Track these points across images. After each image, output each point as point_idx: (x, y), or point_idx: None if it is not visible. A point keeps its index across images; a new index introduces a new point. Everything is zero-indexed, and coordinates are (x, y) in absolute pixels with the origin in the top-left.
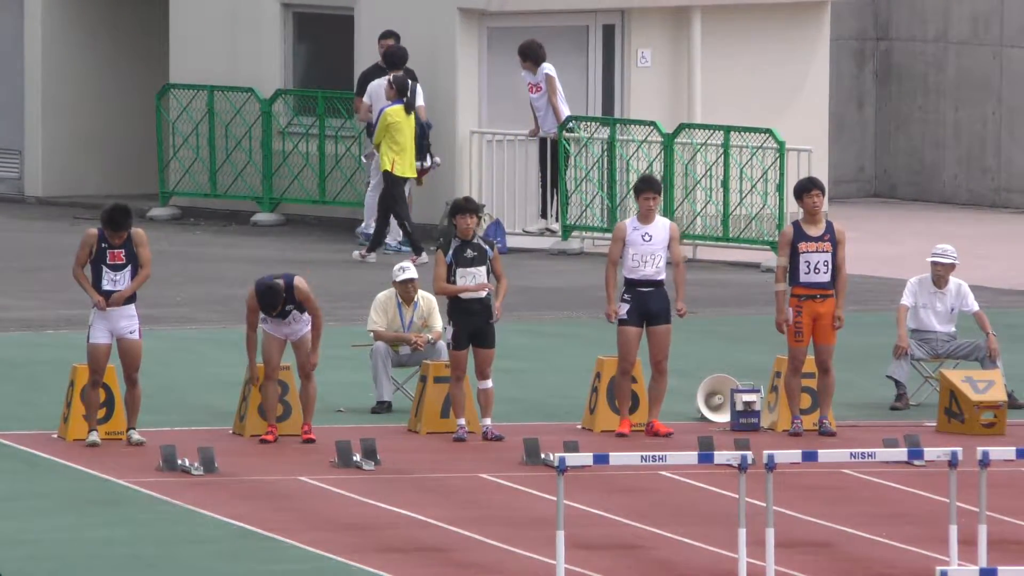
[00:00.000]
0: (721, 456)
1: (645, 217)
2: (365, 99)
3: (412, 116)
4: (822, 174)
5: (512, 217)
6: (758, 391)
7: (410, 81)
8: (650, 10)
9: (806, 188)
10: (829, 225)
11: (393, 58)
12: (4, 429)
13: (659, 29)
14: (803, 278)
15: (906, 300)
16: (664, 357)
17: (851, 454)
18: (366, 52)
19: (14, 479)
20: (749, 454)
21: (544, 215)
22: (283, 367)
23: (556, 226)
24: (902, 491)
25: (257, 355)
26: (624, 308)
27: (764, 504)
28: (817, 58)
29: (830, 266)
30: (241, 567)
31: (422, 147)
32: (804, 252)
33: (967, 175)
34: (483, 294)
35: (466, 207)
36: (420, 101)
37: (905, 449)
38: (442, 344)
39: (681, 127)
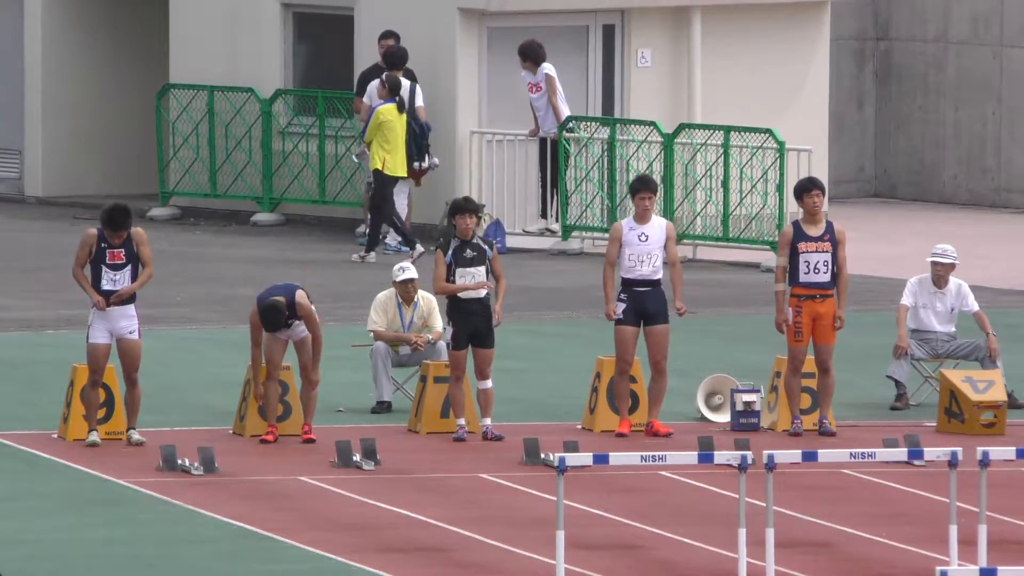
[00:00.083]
0: (721, 456)
1: (641, 217)
2: (365, 99)
3: (404, 115)
4: (822, 174)
5: (512, 217)
6: (758, 391)
7: (407, 81)
8: (650, 10)
9: (806, 188)
10: (829, 225)
11: (393, 58)
12: (4, 429)
13: (659, 29)
14: (803, 278)
15: (906, 300)
16: (663, 357)
17: (851, 454)
18: (366, 52)
19: (14, 479)
20: (749, 454)
21: (544, 215)
22: (283, 367)
23: (556, 226)
24: (902, 491)
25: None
26: (621, 308)
27: (764, 504)
28: (817, 58)
29: (830, 266)
30: (241, 567)
31: (421, 148)
32: (804, 252)
33: (967, 175)
34: (482, 294)
35: (465, 207)
36: (420, 102)
37: (905, 449)
38: (442, 344)
39: (681, 127)
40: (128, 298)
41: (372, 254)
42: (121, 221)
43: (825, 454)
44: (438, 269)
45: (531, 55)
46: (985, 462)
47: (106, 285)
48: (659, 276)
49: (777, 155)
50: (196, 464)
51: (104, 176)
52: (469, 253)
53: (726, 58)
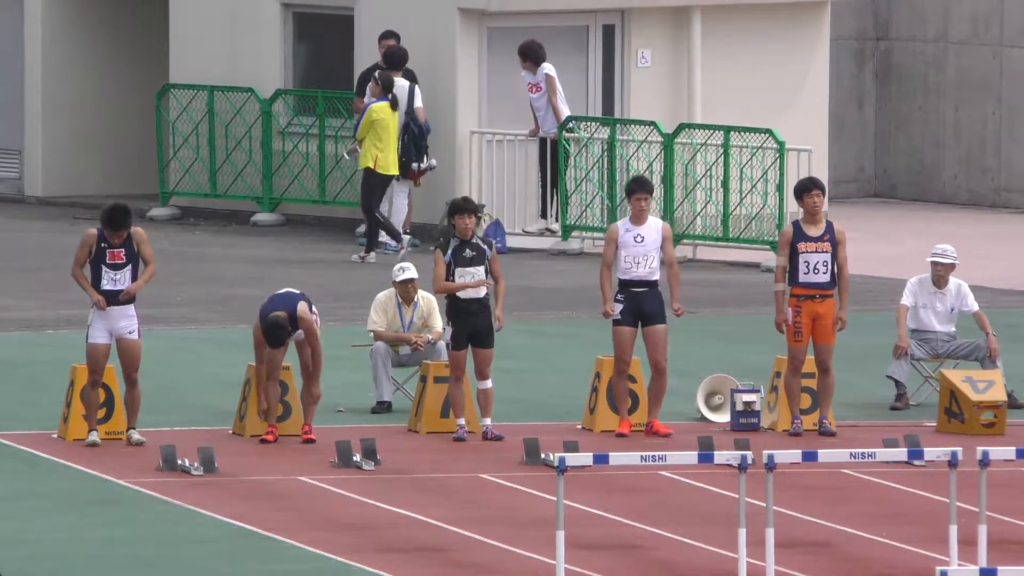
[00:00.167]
0: (721, 456)
1: (637, 218)
2: (365, 99)
3: (396, 113)
4: (822, 174)
5: (512, 217)
6: (758, 391)
7: (406, 81)
8: (650, 10)
9: (806, 188)
10: (829, 225)
11: (393, 58)
12: (4, 429)
13: (659, 29)
14: (802, 278)
15: (906, 300)
16: (663, 357)
17: (851, 454)
18: (366, 52)
19: (14, 479)
20: (749, 454)
21: (544, 215)
22: (283, 367)
23: (556, 226)
24: (902, 491)
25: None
26: (618, 308)
27: (764, 504)
28: (817, 58)
29: (829, 266)
30: (241, 567)
31: (420, 148)
32: (803, 252)
33: (967, 175)
34: (482, 294)
35: (465, 207)
36: (419, 102)
37: (905, 449)
38: (442, 344)
39: (681, 127)
40: (129, 298)
41: (372, 254)
42: (121, 221)
43: (825, 454)
44: (438, 268)
45: (531, 55)
46: (985, 462)
47: (106, 285)
48: (656, 277)
49: (777, 155)
50: (196, 464)
51: (104, 176)
52: (468, 253)
53: (726, 58)
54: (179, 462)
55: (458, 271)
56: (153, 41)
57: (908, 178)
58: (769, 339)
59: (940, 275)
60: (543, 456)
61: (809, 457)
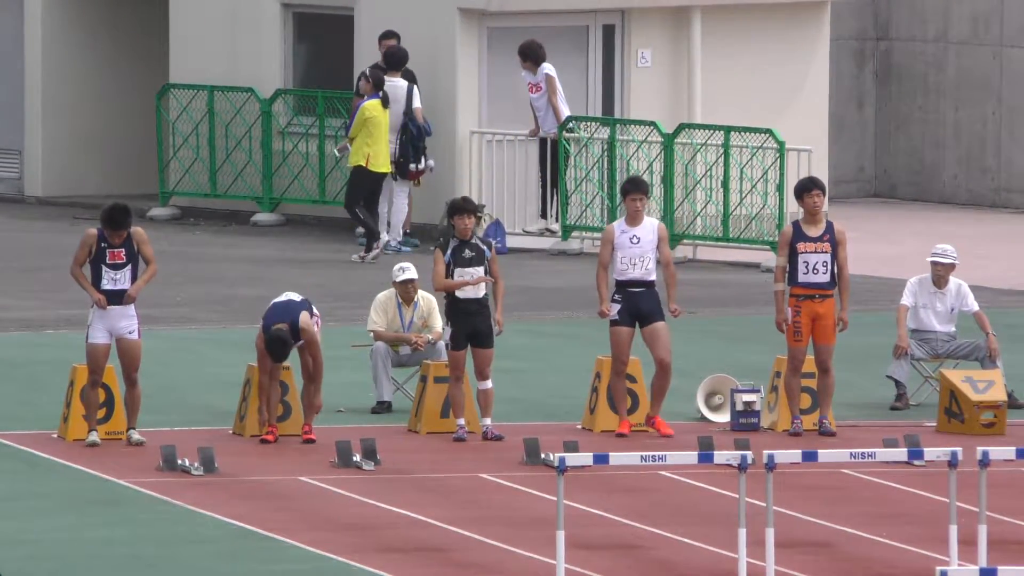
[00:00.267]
0: (721, 456)
1: (633, 219)
2: (361, 99)
3: (388, 111)
4: (822, 174)
5: (512, 217)
6: (758, 391)
7: (404, 81)
8: (650, 10)
9: (807, 188)
10: (829, 225)
11: (393, 58)
12: (4, 429)
13: (659, 29)
14: (801, 278)
15: (906, 300)
16: (666, 353)
17: (851, 454)
18: (366, 52)
19: (14, 479)
20: (749, 454)
21: (544, 215)
22: (283, 367)
23: (556, 226)
24: (902, 491)
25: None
26: (615, 309)
27: (764, 504)
28: (817, 58)
29: (829, 267)
30: (241, 567)
31: (418, 149)
32: (803, 252)
33: (967, 175)
34: (481, 294)
35: (464, 207)
36: (417, 103)
37: (905, 449)
38: (442, 344)
39: (681, 127)
40: (132, 299)
41: (372, 254)
42: (121, 220)
43: (825, 454)
44: (437, 267)
45: (531, 55)
46: (985, 462)
47: (106, 285)
48: (652, 277)
49: (777, 155)
50: (196, 464)
51: (104, 176)
52: (468, 253)
53: (726, 58)
54: (179, 462)
55: (457, 271)
56: (153, 41)
57: (908, 178)
58: (769, 339)
59: (940, 275)
60: (543, 456)
61: (809, 457)
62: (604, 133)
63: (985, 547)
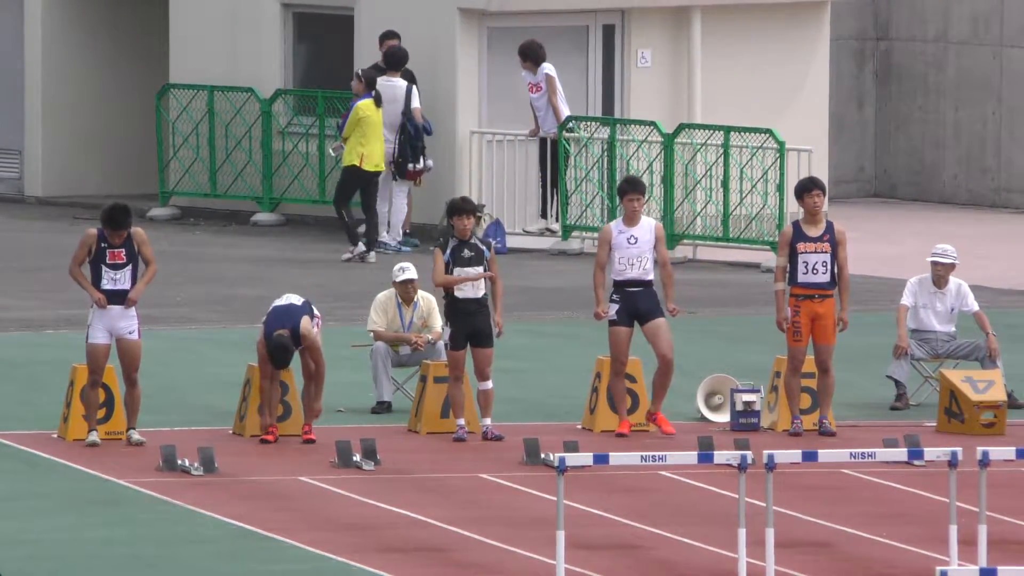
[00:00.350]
0: (721, 456)
1: (630, 219)
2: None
3: (380, 110)
4: (822, 174)
5: (512, 217)
6: (758, 391)
7: (404, 81)
8: (650, 10)
9: (807, 188)
10: (829, 226)
11: (393, 58)
12: (4, 429)
13: (659, 29)
14: (801, 278)
15: (906, 300)
16: (668, 349)
17: (851, 454)
18: (366, 52)
19: (14, 479)
20: (749, 454)
21: (544, 215)
22: None
23: (556, 226)
24: (902, 491)
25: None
26: (614, 309)
27: (764, 504)
28: (817, 58)
29: (829, 267)
30: (241, 567)
31: (416, 149)
32: (802, 252)
33: (967, 175)
34: (480, 294)
35: (463, 208)
36: (416, 103)
37: (905, 449)
38: (442, 344)
39: (681, 127)
40: (127, 298)
41: (372, 254)
42: (121, 220)
43: (825, 454)
44: (437, 264)
45: (531, 55)
46: (985, 462)
47: (106, 285)
48: (650, 277)
49: (777, 155)
50: (196, 464)
51: (104, 176)
52: (467, 253)
53: (726, 58)
54: (179, 462)
55: (456, 271)
56: (153, 41)
57: (908, 178)
58: (769, 339)
59: (940, 275)
60: (543, 456)
61: (809, 457)
62: (604, 133)
63: (985, 547)
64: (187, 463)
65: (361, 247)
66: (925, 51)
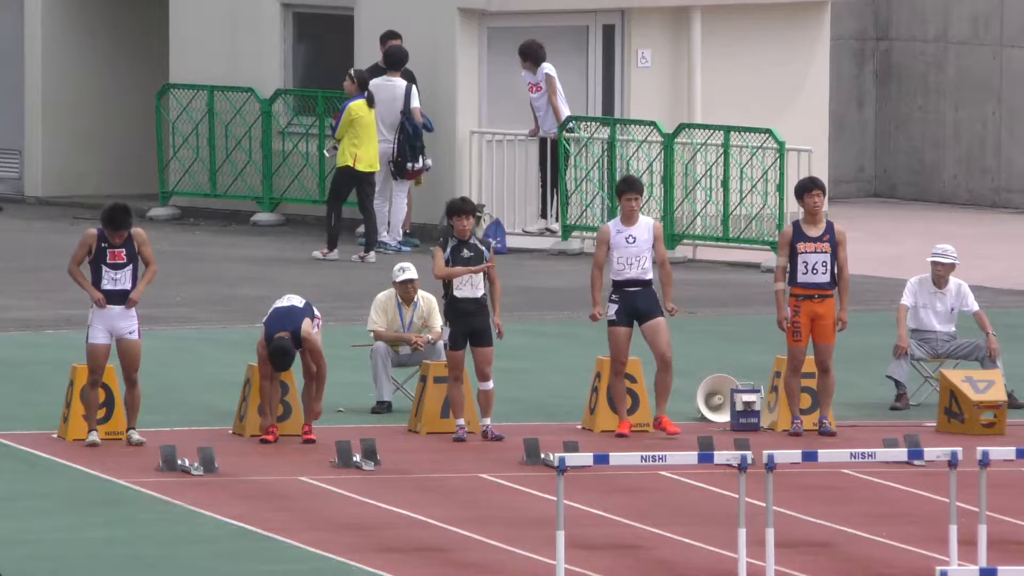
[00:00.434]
0: (721, 456)
1: (628, 219)
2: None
3: (373, 111)
4: (822, 174)
5: (512, 217)
6: (758, 391)
7: (403, 81)
8: (650, 10)
9: (807, 188)
10: (829, 226)
11: (393, 58)
12: (4, 429)
13: (659, 29)
14: (801, 278)
15: (906, 300)
16: (666, 348)
17: (851, 454)
18: (366, 52)
19: (14, 479)
20: (749, 454)
21: (544, 215)
22: None
23: (556, 226)
24: (902, 491)
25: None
26: (612, 308)
27: (764, 504)
28: (817, 58)
29: (828, 267)
30: (241, 567)
31: (415, 148)
32: (802, 252)
33: (967, 175)
34: (479, 294)
35: (462, 208)
36: (415, 103)
37: (905, 449)
38: (441, 344)
39: (681, 127)
40: (127, 298)
41: (372, 254)
42: (121, 220)
43: (825, 454)
44: (437, 260)
45: (531, 55)
46: (985, 462)
47: (107, 285)
48: (649, 276)
49: (777, 155)
50: (196, 464)
51: (104, 176)
52: (467, 253)
53: (726, 58)
54: (179, 462)
55: None
56: (153, 41)
57: (908, 178)
58: (769, 339)
59: (940, 275)
60: (543, 456)
61: (809, 457)
62: (604, 133)
63: (985, 547)
64: (187, 463)
65: (335, 255)
66: (925, 51)
